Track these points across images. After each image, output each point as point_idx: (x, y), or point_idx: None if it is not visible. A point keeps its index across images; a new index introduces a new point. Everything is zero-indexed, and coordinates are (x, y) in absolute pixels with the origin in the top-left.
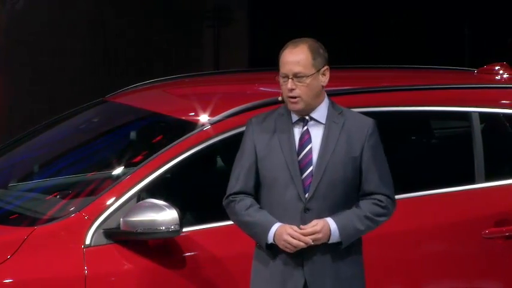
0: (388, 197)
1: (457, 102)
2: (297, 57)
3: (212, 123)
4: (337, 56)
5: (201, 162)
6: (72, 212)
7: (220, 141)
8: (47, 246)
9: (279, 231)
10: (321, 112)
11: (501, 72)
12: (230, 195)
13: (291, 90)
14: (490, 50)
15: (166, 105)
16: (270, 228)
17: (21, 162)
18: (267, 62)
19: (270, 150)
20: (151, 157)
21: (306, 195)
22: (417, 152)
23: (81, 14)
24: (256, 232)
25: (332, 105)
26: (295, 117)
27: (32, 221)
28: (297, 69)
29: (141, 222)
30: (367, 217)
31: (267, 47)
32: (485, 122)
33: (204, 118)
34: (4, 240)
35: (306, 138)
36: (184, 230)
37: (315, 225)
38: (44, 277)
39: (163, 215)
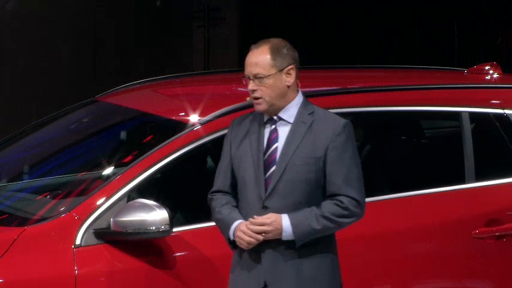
0: (352, 198)
1: (447, 102)
2: (256, 58)
3: (202, 123)
4: (327, 55)
5: (191, 162)
6: (63, 212)
7: (210, 141)
8: (37, 247)
9: (237, 227)
10: (290, 112)
11: (491, 72)
12: (210, 193)
13: (253, 91)
14: (479, 50)
15: (157, 105)
16: (232, 224)
17: (11, 162)
18: None
19: (241, 150)
20: (142, 157)
21: (266, 193)
22: (407, 152)
23: (70, 14)
24: (223, 229)
25: (304, 105)
26: (266, 118)
27: (22, 221)
28: (256, 70)
29: (131, 222)
30: (324, 217)
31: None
32: (475, 122)
33: (194, 118)
34: None
35: (272, 138)
36: (175, 230)
37: (267, 217)
38: (35, 277)
39: (154, 215)
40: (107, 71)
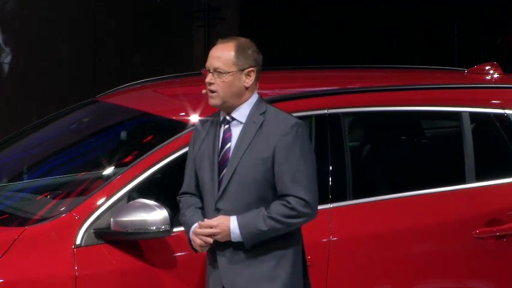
0: (299, 198)
1: (448, 102)
2: (219, 52)
3: None
4: (327, 55)
5: None
6: (63, 212)
7: None
8: (37, 247)
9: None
10: (242, 111)
11: (491, 72)
12: (179, 195)
13: (209, 84)
14: (480, 50)
15: (157, 105)
16: (191, 227)
17: (11, 162)
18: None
19: (201, 151)
20: (142, 157)
21: (217, 195)
22: (408, 152)
23: (70, 14)
24: (185, 231)
25: (257, 105)
26: (221, 118)
27: (23, 221)
28: (217, 64)
29: (132, 222)
30: (272, 218)
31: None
32: (475, 122)
33: (194, 118)
34: None
35: (226, 138)
36: (175, 230)
37: (215, 220)
38: (35, 277)
39: (154, 215)
40: (107, 71)
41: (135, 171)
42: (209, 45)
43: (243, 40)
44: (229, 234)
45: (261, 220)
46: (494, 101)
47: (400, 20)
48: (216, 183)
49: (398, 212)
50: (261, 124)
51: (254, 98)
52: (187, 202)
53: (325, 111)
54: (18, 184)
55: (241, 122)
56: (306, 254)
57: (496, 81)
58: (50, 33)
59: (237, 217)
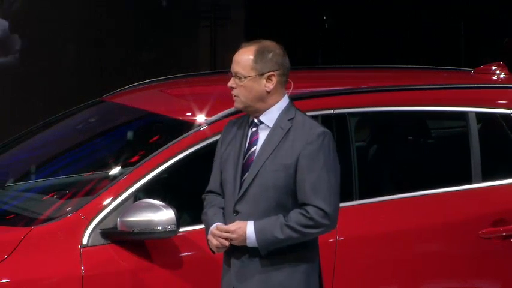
0: (319, 208)
1: (454, 102)
2: (240, 57)
3: (209, 123)
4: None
5: (198, 162)
6: (69, 212)
7: (217, 141)
8: (43, 247)
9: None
10: (271, 116)
11: (498, 72)
12: (205, 193)
13: (231, 88)
14: (486, 50)
15: (163, 105)
16: (210, 227)
17: (18, 162)
18: None
19: (227, 152)
20: (148, 157)
21: (237, 197)
22: (414, 152)
23: (74, 13)
24: (206, 231)
25: (287, 110)
26: (250, 121)
27: (29, 221)
28: (236, 68)
29: (138, 222)
30: (289, 226)
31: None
32: (482, 122)
33: (201, 118)
34: (1, 240)
35: (253, 140)
36: (181, 230)
37: (232, 225)
38: (41, 277)
39: (160, 215)
40: (113, 72)
41: (142, 171)
42: (215, 45)
43: (266, 43)
44: (245, 239)
45: (278, 228)
46: (501, 101)
47: (406, 20)
48: (238, 184)
49: (405, 212)
50: (288, 130)
51: (284, 102)
52: (211, 201)
53: (332, 111)
54: (25, 184)
55: (268, 126)
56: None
57: (503, 81)
58: (55, 34)
59: (254, 223)
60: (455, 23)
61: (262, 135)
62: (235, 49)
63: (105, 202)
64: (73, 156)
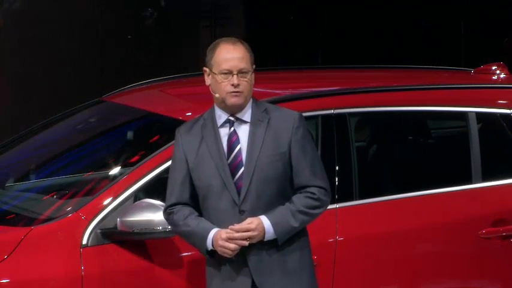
0: (320, 188)
1: (454, 102)
2: (239, 54)
3: None
4: (333, 55)
5: None
6: (69, 212)
7: None
8: (43, 247)
9: (215, 236)
10: (245, 111)
11: (498, 72)
12: (168, 207)
13: (237, 85)
14: (486, 50)
15: (164, 105)
16: (207, 235)
17: (18, 162)
18: (263, 62)
19: (200, 159)
20: (148, 157)
21: (240, 197)
22: (414, 152)
23: (75, 13)
24: (196, 241)
25: (256, 104)
26: (220, 121)
27: (29, 221)
28: (242, 65)
29: (138, 222)
30: (300, 211)
31: (263, 47)
32: (482, 122)
33: None
34: (1, 240)
35: (233, 140)
36: None
37: (250, 223)
38: (41, 277)
39: (160, 215)
40: (113, 71)
41: (142, 171)
42: None
43: (240, 39)
44: (263, 234)
45: (291, 216)
46: (501, 101)
47: (406, 20)
48: (233, 186)
49: (405, 212)
50: (268, 121)
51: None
52: (183, 212)
53: (332, 111)
54: (25, 184)
55: (245, 122)
56: (312, 253)
57: (503, 81)
58: (55, 33)
59: (266, 217)
60: (455, 23)
61: (242, 133)
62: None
63: (105, 202)
64: (73, 156)
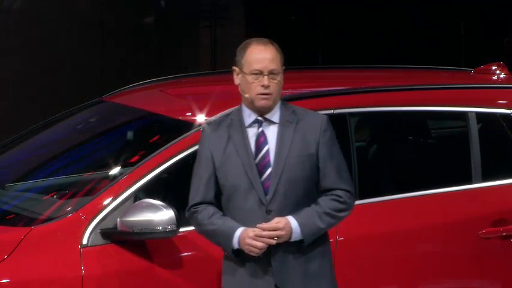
0: (346, 191)
1: (454, 102)
2: (271, 55)
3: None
4: (334, 55)
5: None
6: (69, 212)
7: None
8: (44, 247)
9: (242, 235)
10: (273, 112)
11: (498, 72)
12: (192, 206)
13: (267, 86)
14: (486, 50)
15: (163, 105)
16: (234, 233)
17: (18, 162)
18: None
19: (226, 157)
20: (148, 157)
21: (267, 197)
22: (414, 152)
23: (76, 13)
24: (221, 240)
25: (284, 104)
26: (248, 121)
27: (29, 221)
28: (273, 66)
29: (138, 222)
30: (327, 213)
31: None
32: (482, 122)
33: (201, 118)
34: (1, 240)
35: (261, 140)
36: (181, 230)
37: (278, 222)
38: (41, 277)
39: (160, 215)
40: (113, 71)
41: (142, 171)
42: (215, 45)
43: (271, 40)
44: (290, 234)
45: (317, 217)
46: (501, 101)
47: (406, 20)
48: (260, 186)
49: (405, 212)
50: (297, 123)
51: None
52: (208, 211)
53: (332, 111)
54: (25, 184)
55: (273, 122)
56: None
57: (503, 81)
58: (55, 33)
59: (294, 217)
60: (455, 23)
61: (270, 133)
62: (235, 49)
63: (105, 202)
64: (73, 156)
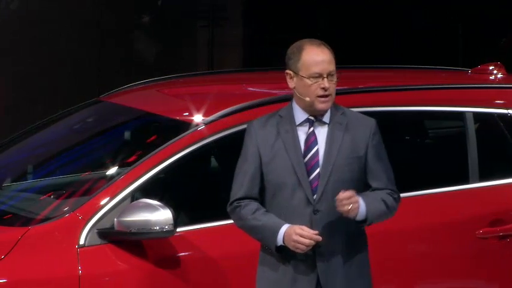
0: (396, 192)
1: (451, 102)
2: (327, 56)
3: (206, 123)
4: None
5: (195, 162)
6: (66, 212)
7: (214, 141)
8: (41, 247)
9: (287, 232)
10: (325, 113)
11: (495, 72)
12: (235, 200)
13: (327, 89)
14: (483, 50)
15: (161, 105)
16: (279, 230)
17: (15, 162)
18: (262, 62)
19: (274, 154)
20: (146, 157)
21: (314, 196)
22: (411, 152)
23: (74, 14)
24: (265, 236)
25: (334, 105)
26: (299, 119)
27: (26, 221)
28: (331, 68)
29: (135, 222)
30: (385, 202)
31: (262, 47)
32: (479, 122)
33: (198, 118)
34: None
35: (312, 140)
36: (178, 230)
37: (351, 194)
38: (38, 277)
39: (158, 215)
40: (111, 71)
41: (139, 171)
42: (213, 45)
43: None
44: (357, 210)
45: (381, 201)
46: (498, 101)
47: (404, 20)
48: (308, 184)
49: (402, 212)
50: (346, 124)
51: None
52: (252, 207)
53: None
54: (22, 184)
55: (324, 123)
56: None
57: (500, 81)
58: (53, 33)
59: (359, 196)
60: (454, 23)
61: (320, 133)
62: (233, 49)
63: (103, 202)
64: (70, 156)
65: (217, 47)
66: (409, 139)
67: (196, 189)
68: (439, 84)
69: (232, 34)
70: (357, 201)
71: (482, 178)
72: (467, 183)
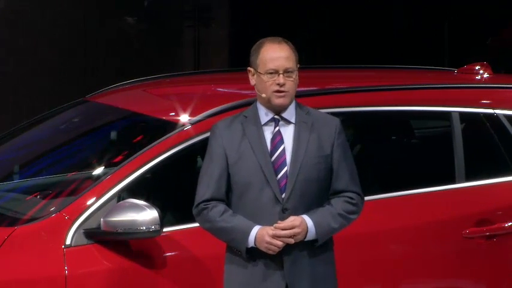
0: (357, 194)
1: (438, 102)
2: (285, 53)
3: (192, 123)
4: (317, 55)
5: (181, 162)
6: (53, 212)
7: (200, 141)
8: (27, 247)
9: (260, 233)
10: (290, 112)
11: (481, 72)
12: (201, 202)
13: (282, 85)
14: (470, 50)
15: (147, 105)
16: (250, 232)
17: (1, 162)
18: (248, 62)
19: (241, 154)
20: (132, 157)
21: (283, 195)
22: (398, 152)
23: (59, 13)
24: (235, 237)
25: (299, 105)
26: (264, 119)
27: (12, 221)
28: (288, 64)
29: (122, 222)
30: (340, 215)
31: (248, 47)
32: (465, 122)
33: (184, 118)
34: None
35: (278, 139)
36: (165, 230)
37: (294, 220)
38: (25, 278)
39: (144, 215)
40: (97, 71)
41: (125, 171)
42: (199, 45)
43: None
44: (306, 233)
45: (331, 218)
46: (484, 101)
47: (390, 20)
48: (276, 185)
49: (388, 212)
50: (312, 124)
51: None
52: (219, 209)
53: None
54: (8, 184)
55: (289, 122)
56: None
57: (486, 81)
58: (39, 33)
59: (309, 216)
60: (439, 23)
61: (286, 132)
62: (219, 49)
63: (89, 202)
64: (56, 156)
65: (203, 47)
66: (395, 139)
67: (183, 189)
68: (426, 84)
69: (218, 34)
70: (299, 231)
71: (469, 178)
72: (454, 183)
